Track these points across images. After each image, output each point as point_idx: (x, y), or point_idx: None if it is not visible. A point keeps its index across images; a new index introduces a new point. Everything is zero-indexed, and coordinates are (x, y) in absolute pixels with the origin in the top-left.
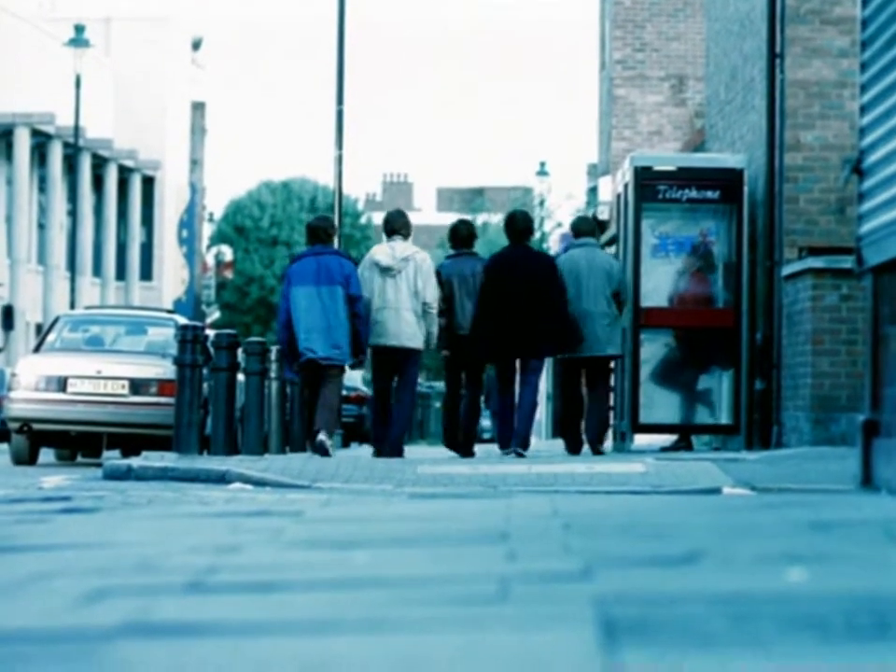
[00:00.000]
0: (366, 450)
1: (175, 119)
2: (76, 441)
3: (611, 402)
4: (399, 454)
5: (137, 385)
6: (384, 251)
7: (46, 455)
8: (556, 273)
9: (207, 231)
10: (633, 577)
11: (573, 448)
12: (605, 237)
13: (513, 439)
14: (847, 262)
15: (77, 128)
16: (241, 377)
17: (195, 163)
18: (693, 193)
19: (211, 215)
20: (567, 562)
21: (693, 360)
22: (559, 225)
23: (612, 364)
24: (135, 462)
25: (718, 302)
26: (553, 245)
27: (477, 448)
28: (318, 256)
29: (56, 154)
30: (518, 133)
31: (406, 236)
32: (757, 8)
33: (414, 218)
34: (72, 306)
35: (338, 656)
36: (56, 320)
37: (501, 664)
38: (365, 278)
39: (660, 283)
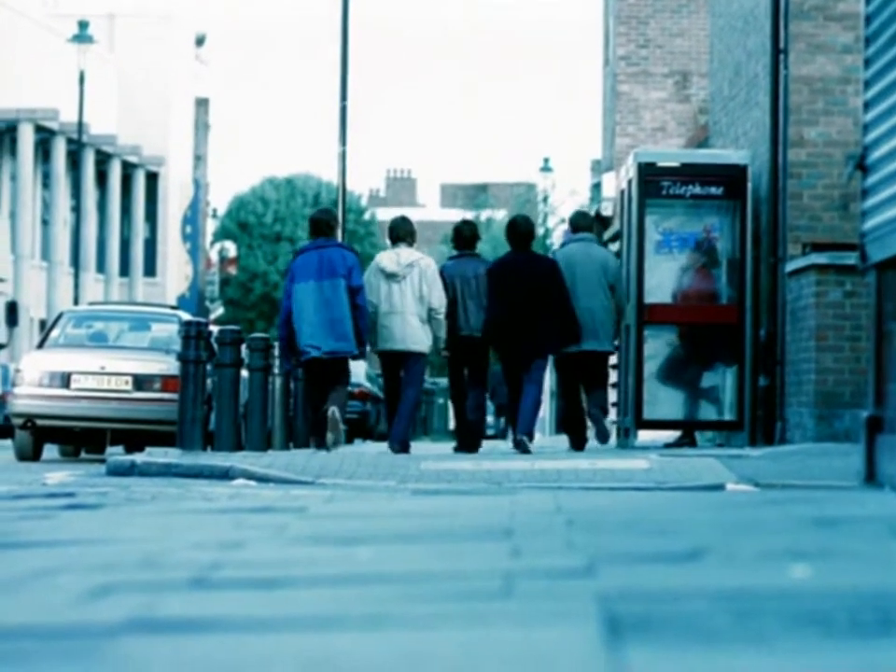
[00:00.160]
0: (370, 446)
1: (178, 115)
2: (79, 437)
3: (609, 395)
4: (406, 449)
5: (141, 381)
6: (389, 257)
7: (49, 451)
8: (558, 276)
9: (211, 227)
10: (637, 573)
11: (577, 444)
12: (608, 233)
13: (517, 434)
14: (851, 258)
15: (80, 124)
16: (244, 373)
17: (199, 159)
18: (697, 189)
19: (215, 211)
20: (570, 558)
21: (696, 357)
22: (563, 221)
23: (613, 359)
24: (139, 458)
25: (721, 299)
26: (556, 242)
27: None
28: (321, 249)
29: (60, 150)
30: (522, 129)
31: (411, 243)
32: (761, 5)
33: (418, 214)
34: (76, 302)
35: (341, 652)
36: (60, 316)
37: (505, 660)
38: (371, 284)
39: (663, 279)
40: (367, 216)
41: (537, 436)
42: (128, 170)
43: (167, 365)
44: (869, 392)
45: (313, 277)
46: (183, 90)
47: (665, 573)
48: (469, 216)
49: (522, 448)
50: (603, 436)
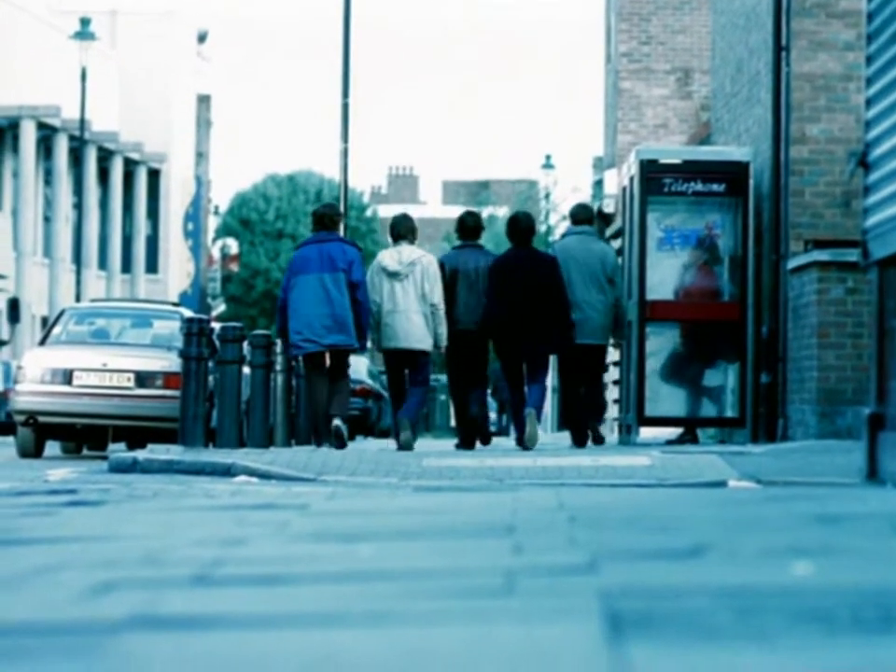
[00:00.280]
0: (371, 443)
1: (180, 111)
2: (81, 434)
3: (605, 391)
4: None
5: (143, 378)
6: (391, 256)
7: (51, 447)
8: (558, 274)
9: (213, 223)
10: (639, 570)
11: (579, 441)
12: (610, 230)
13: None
14: (853, 255)
15: (82, 121)
16: (246, 370)
17: (201, 156)
18: (699, 186)
19: (216, 208)
20: (572, 555)
21: (699, 354)
22: (564, 218)
23: (615, 356)
24: (141, 455)
25: (723, 296)
26: (558, 238)
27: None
28: (321, 243)
29: (62, 147)
30: (523, 126)
31: (412, 240)
32: (763, 2)
33: (419, 212)
34: (77, 299)
35: (343, 649)
36: (62, 313)
37: (507, 657)
38: (374, 283)
39: (665, 276)
40: (369, 213)
41: (539, 433)
42: (130, 167)
43: (169, 362)
44: (871, 389)
45: (313, 270)
46: (185, 86)
47: (667, 570)
48: None
49: (527, 431)
50: (598, 441)
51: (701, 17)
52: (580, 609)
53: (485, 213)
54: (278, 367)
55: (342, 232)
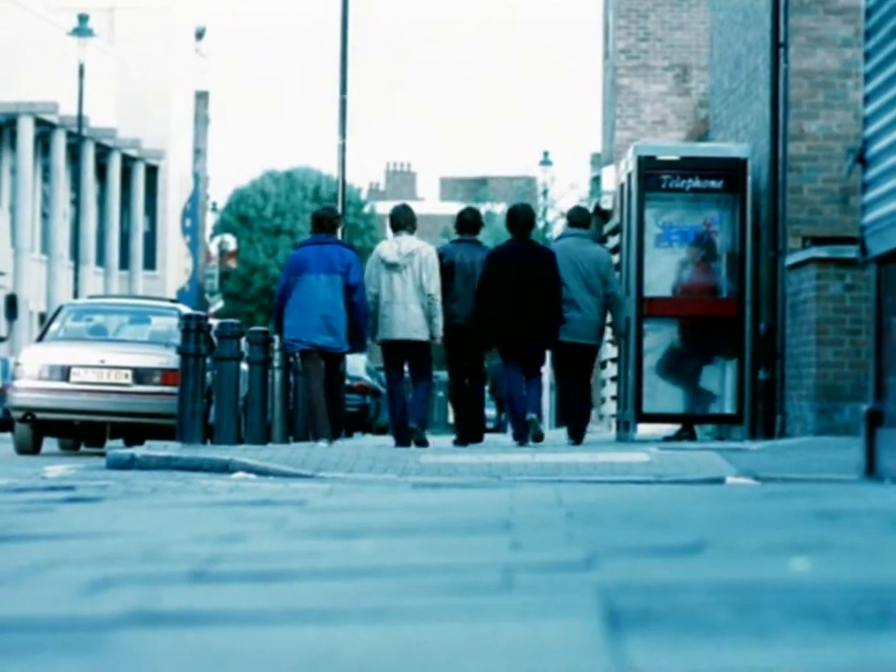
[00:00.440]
0: (369, 440)
1: (178, 108)
2: (79, 431)
3: (591, 392)
4: (424, 443)
5: (141, 375)
6: (389, 247)
7: (49, 444)
8: (555, 268)
9: (211, 220)
10: (637, 566)
11: (575, 437)
12: (608, 227)
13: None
14: (851, 252)
15: (80, 117)
16: (244, 367)
17: (198, 153)
18: (697, 183)
19: (214, 204)
20: (570, 551)
21: (696, 350)
22: (562, 215)
23: (613, 353)
24: (139, 451)
25: (721, 292)
26: (556, 235)
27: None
28: (321, 245)
29: (59, 143)
30: (521, 123)
31: (411, 231)
32: None
33: (417, 208)
34: (75, 295)
35: (341, 645)
36: (59, 309)
37: (505, 653)
38: (372, 274)
39: (663, 273)
40: (367, 209)
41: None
42: (127, 163)
43: (167, 358)
44: (869, 386)
45: (310, 271)
46: (183, 83)
47: (666, 566)
48: None
49: (531, 433)
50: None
51: (699, 13)
52: (578, 605)
53: (483, 209)
54: (276, 363)
55: (340, 234)
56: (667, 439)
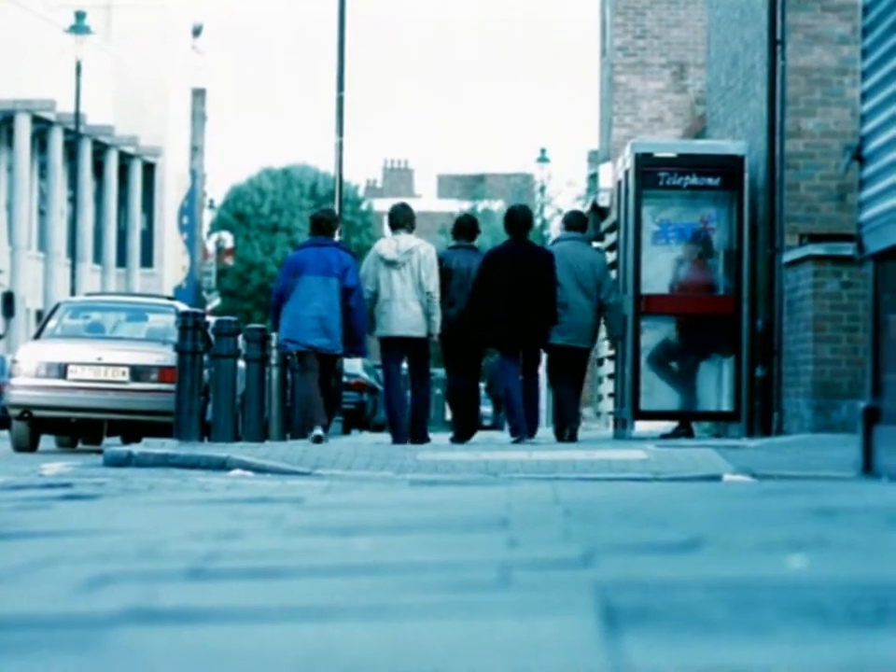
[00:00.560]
0: (367, 437)
1: (175, 105)
2: (76, 428)
3: (581, 396)
4: (425, 439)
5: (138, 372)
6: (388, 245)
7: (46, 441)
8: (553, 269)
9: (208, 217)
10: (634, 564)
11: (559, 436)
12: (605, 224)
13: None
14: (848, 249)
15: (77, 114)
16: (241, 364)
17: (195, 150)
18: (694, 180)
19: (211, 201)
20: (567, 549)
21: (693, 347)
22: (559, 212)
23: (611, 352)
24: (136, 449)
25: (718, 290)
26: (553, 232)
27: (477, 435)
28: (319, 247)
29: (57, 141)
30: (519, 120)
31: (410, 229)
32: None
33: (415, 205)
34: (72, 293)
35: (339, 642)
36: (56, 307)
37: (502, 650)
38: (370, 272)
39: (661, 270)
40: (364, 206)
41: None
42: (125, 160)
43: (164, 356)
44: (866, 383)
45: (307, 273)
46: (180, 80)
47: (663, 563)
48: (466, 206)
49: (520, 439)
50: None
51: (696, 11)
52: (575, 602)
53: (480, 206)
54: (273, 361)
55: (337, 234)
56: (665, 436)
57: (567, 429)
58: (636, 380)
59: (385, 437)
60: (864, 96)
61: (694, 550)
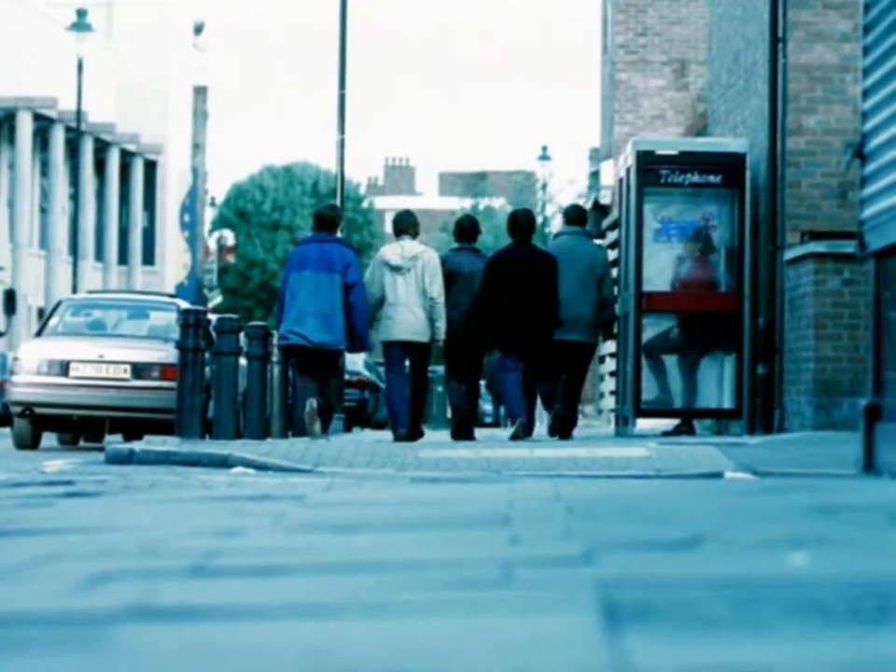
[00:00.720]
0: (368, 434)
1: (176, 103)
2: (78, 426)
3: (581, 394)
4: (420, 435)
5: (139, 370)
6: (393, 250)
7: (48, 439)
8: (555, 273)
9: (209, 215)
10: (635, 561)
11: (552, 430)
12: (607, 222)
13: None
14: (850, 247)
15: (79, 112)
16: (243, 361)
17: (197, 147)
18: (696, 177)
19: (213, 199)
20: (569, 546)
21: (695, 345)
22: (561, 209)
23: (611, 346)
24: (137, 446)
25: (720, 287)
26: (555, 230)
27: (478, 433)
28: (322, 243)
29: (58, 138)
30: (520, 118)
31: (414, 235)
32: None
33: (416, 203)
34: (74, 290)
35: (340, 640)
36: (58, 304)
37: (504, 647)
38: (375, 277)
39: (662, 267)
40: (365, 204)
41: (536, 424)
42: (126, 158)
43: (165, 353)
44: (867, 380)
45: (310, 268)
46: (181, 78)
47: (664, 561)
48: (468, 204)
49: (519, 434)
50: (563, 434)
51: (697, 8)
52: (576, 599)
53: (482, 204)
54: (275, 358)
55: (340, 230)
56: (666, 433)
57: (556, 422)
58: (637, 377)
59: (387, 434)
60: (866, 93)
61: (696, 547)
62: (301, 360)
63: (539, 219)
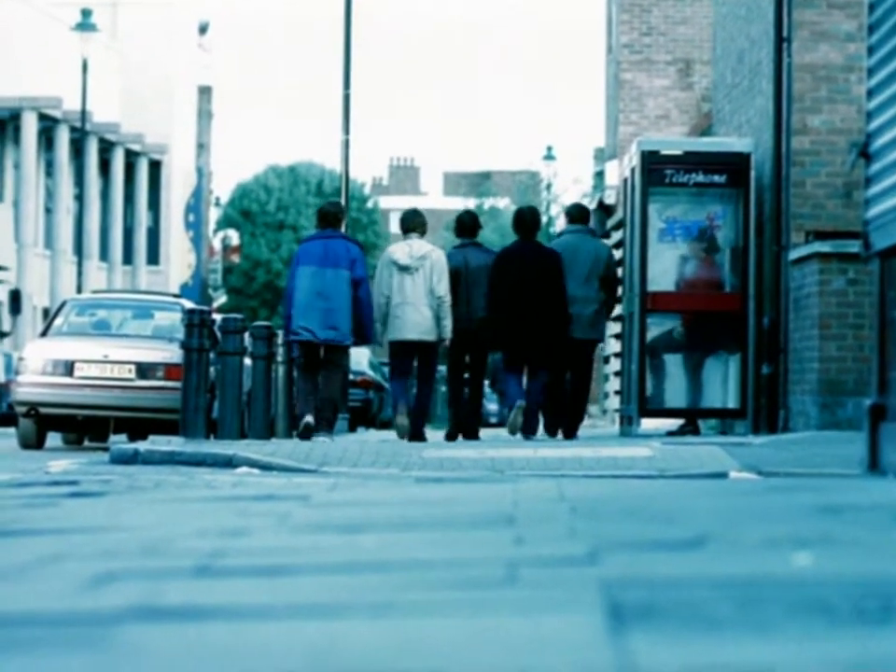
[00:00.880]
0: (373, 434)
1: (181, 102)
2: (83, 426)
3: (589, 393)
4: (422, 438)
5: (144, 370)
6: (401, 250)
7: (53, 439)
8: (561, 269)
9: (214, 215)
10: (640, 561)
11: (547, 427)
12: (611, 221)
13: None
14: (854, 246)
15: (83, 112)
16: (247, 361)
17: (202, 147)
18: (700, 177)
19: (218, 199)
20: (573, 546)
21: (699, 344)
22: (564, 208)
23: (616, 346)
24: (142, 446)
25: (725, 287)
26: (559, 230)
27: (483, 432)
28: (326, 239)
29: (63, 138)
30: (525, 118)
31: (422, 234)
32: None
33: (421, 203)
34: (79, 290)
35: (345, 639)
36: (63, 304)
37: (508, 647)
38: (384, 276)
39: (667, 267)
40: (370, 204)
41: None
42: (131, 158)
43: (170, 353)
44: (872, 380)
45: (315, 263)
46: (186, 78)
47: (668, 560)
48: (472, 204)
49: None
50: (548, 429)
51: (702, 7)
52: (581, 599)
53: (487, 204)
54: (279, 358)
55: (344, 229)
56: (671, 433)
57: (572, 422)
58: (641, 377)
59: (391, 434)
60: (870, 93)
61: (700, 547)
62: (307, 356)
63: (544, 219)
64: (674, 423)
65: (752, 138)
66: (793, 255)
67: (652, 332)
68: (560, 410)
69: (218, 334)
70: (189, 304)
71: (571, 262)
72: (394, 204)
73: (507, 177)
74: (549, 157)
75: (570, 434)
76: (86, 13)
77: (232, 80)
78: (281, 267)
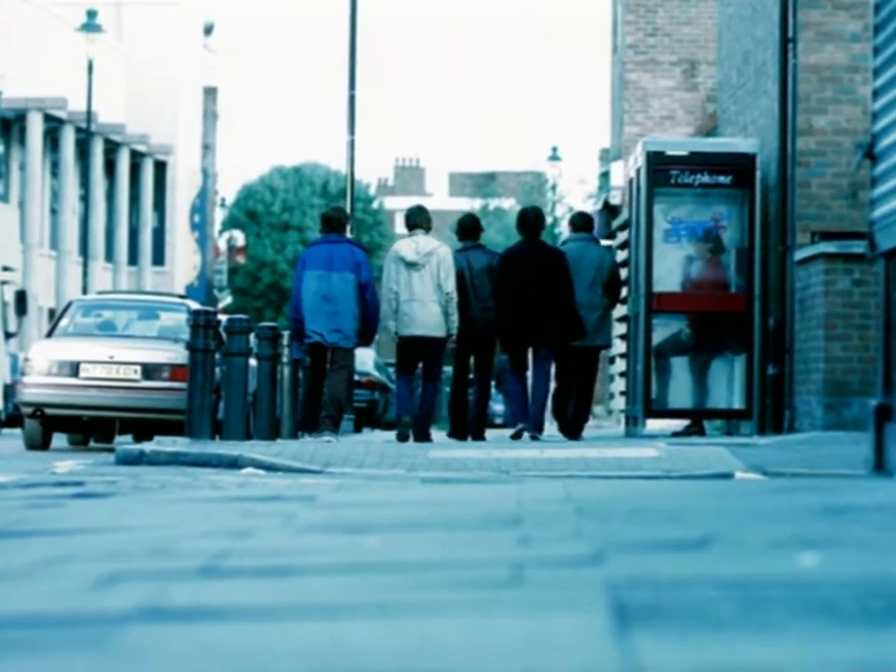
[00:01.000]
0: (378, 435)
1: (186, 103)
2: (88, 426)
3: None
4: (427, 438)
5: (149, 370)
6: (408, 246)
7: (58, 439)
8: (566, 268)
9: (219, 216)
10: (645, 561)
11: (562, 429)
12: (617, 222)
13: (529, 422)
14: (860, 247)
15: (89, 113)
16: (253, 362)
17: (207, 148)
18: (706, 178)
19: (223, 200)
20: (579, 546)
21: (705, 345)
22: (571, 210)
23: (621, 347)
24: (148, 447)
25: (730, 287)
26: (564, 231)
27: (488, 433)
28: (331, 244)
29: (68, 139)
30: (530, 118)
31: (427, 230)
32: None
33: (426, 203)
34: (84, 291)
35: (350, 640)
36: (69, 305)
37: (514, 648)
38: (391, 272)
39: (672, 268)
40: (375, 205)
41: (546, 425)
42: (136, 159)
43: (176, 354)
44: (878, 381)
45: (321, 268)
46: (191, 78)
47: (674, 561)
48: (478, 204)
49: (532, 437)
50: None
51: (707, 8)
52: (587, 600)
53: (492, 205)
54: (285, 359)
55: (348, 232)
56: (676, 434)
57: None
58: (647, 378)
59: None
60: (876, 93)
61: (705, 548)
62: (315, 359)
63: (549, 220)
64: (679, 423)
65: (758, 139)
66: (799, 255)
67: (659, 333)
68: (567, 398)
69: (224, 335)
70: (194, 305)
71: (576, 270)
72: (399, 205)
73: (512, 178)
74: (554, 157)
75: (575, 435)
76: (91, 14)
77: (238, 81)
78: (286, 268)
